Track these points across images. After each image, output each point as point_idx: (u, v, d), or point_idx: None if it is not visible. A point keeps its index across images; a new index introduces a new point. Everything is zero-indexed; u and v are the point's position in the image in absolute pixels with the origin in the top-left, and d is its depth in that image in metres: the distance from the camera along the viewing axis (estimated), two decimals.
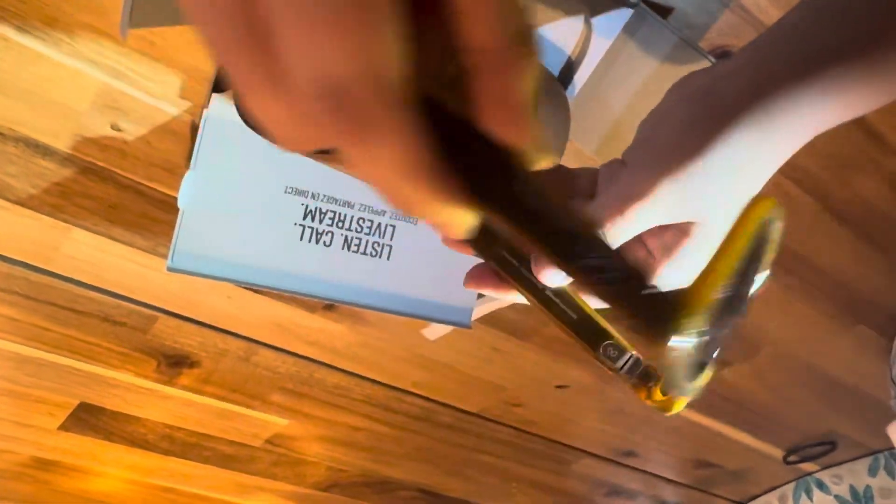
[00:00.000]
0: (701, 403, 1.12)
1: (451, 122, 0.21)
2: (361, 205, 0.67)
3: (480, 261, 0.35)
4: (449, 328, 0.85)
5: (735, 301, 0.26)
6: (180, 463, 1.06)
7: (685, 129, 0.36)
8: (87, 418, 0.97)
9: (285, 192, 0.64)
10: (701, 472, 1.33)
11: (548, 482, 1.26)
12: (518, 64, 0.21)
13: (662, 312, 0.22)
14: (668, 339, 0.22)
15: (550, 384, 1.01)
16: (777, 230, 0.29)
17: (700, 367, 0.25)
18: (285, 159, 0.62)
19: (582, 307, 0.33)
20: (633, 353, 0.32)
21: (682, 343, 0.22)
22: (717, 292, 0.24)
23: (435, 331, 0.86)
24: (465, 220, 0.23)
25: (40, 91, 0.60)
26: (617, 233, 0.35)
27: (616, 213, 0.35)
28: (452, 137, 0.21)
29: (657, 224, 0.36)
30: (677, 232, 0.38)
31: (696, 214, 0.37)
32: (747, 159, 0.36)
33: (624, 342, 0.32)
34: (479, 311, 0.80)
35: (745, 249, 0.25)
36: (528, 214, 0.23)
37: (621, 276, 0.22)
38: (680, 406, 0.29)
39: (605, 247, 0.23)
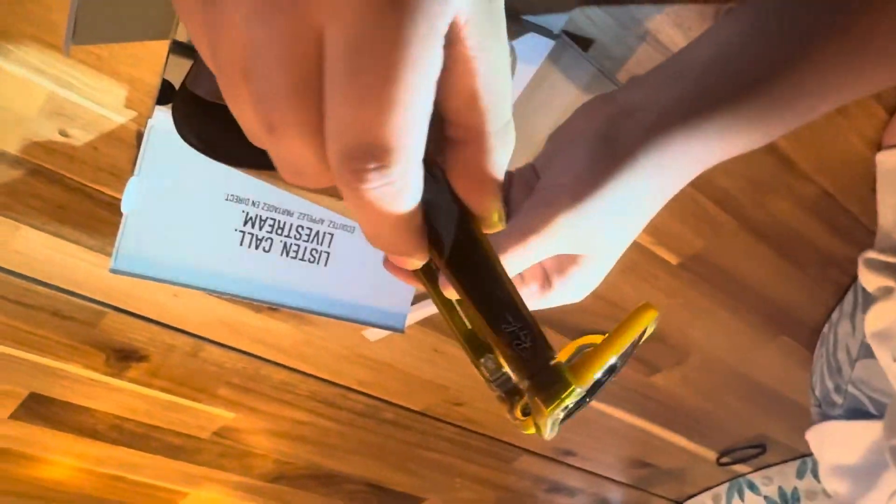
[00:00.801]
0: (636, 406, 1.17)
1: (430, 183, 0.25)
2: (300, 213, 0.71)
3: None
4: (387, 331, 0.88)
5: (601, 381, 0.31)
6: (129, 452, 1.08)
7: (587, 164, 0.39)
8: (37, 408, 1.00)
9: (226, 199, 0.68)
10: (639, 471, 1.38)
11: (490, 478, 1.30)
12: (495, 146, 0.25)
13: (553, 384, 0.26)
14: (551, 407, 0.26)
15: None
16: (648, 333, 0.34)
17: (564, 419, 0.30)
18: (226, 169, 0.65)
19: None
20: (506, 370, 0.36)
21: (560, 409, 0.27)
22: (595, 375, 0.29)
23: (374, 333, 0.90)
24: (420, 261, 0.27)
25: None
26: (517, 261, 0.39)
27: (517, 244, 0.38)
28: (428, 196, 0.24)
29: (553, 255, 0.40)
30: (569, 257, 0.42)
31: (585, 249, 0.41)
32: (638, 197, 0.40)
33: (501, 360, 0.36)
34: (414, 316, 0.84)
35: (626, 347, 0.31)
36: (471, 274, 0.27)
37: (530, 347, 0.26)
38: (531, 432, 0.33)
39: (526, 318, 0.27)
